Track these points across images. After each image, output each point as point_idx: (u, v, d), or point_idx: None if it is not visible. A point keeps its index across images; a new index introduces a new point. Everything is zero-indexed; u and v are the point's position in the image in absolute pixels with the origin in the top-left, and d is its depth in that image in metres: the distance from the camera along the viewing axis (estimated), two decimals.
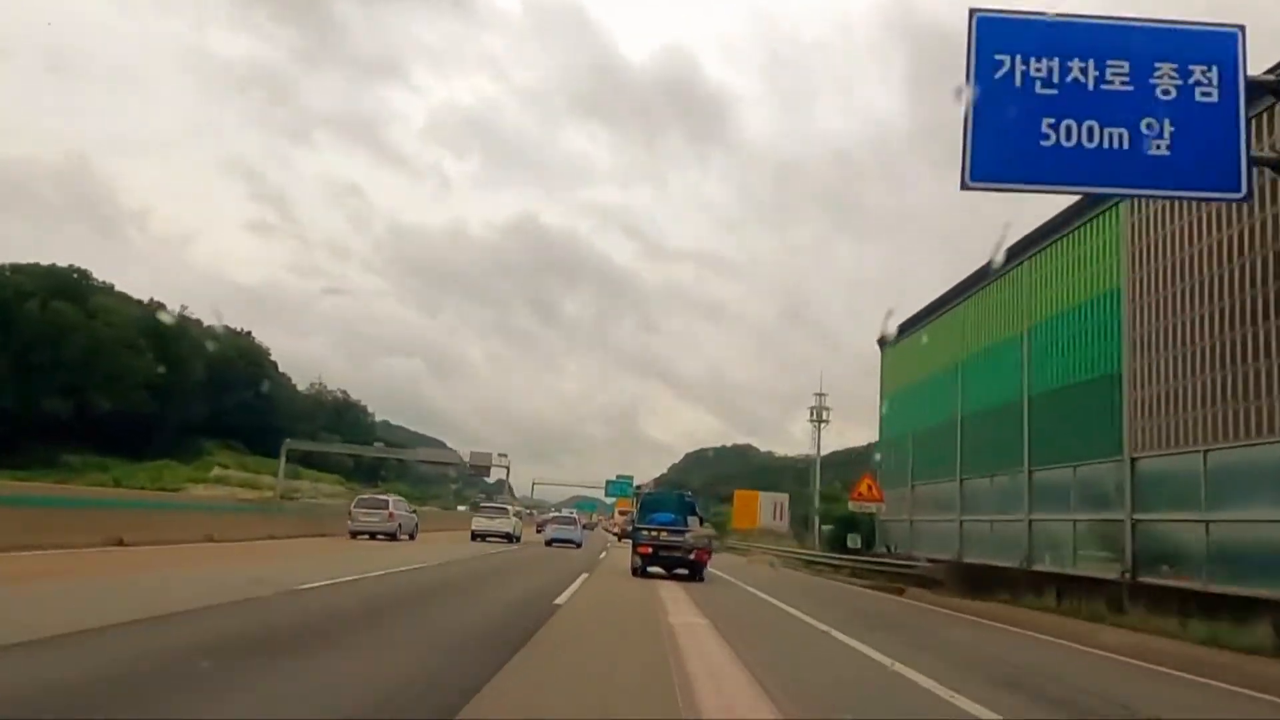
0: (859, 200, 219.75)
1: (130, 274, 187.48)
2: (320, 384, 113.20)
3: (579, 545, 33.16)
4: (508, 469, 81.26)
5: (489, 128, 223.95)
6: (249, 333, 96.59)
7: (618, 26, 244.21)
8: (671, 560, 19.00)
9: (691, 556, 18.96)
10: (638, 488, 73.55)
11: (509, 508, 39.24)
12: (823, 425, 54.95)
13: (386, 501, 29.65)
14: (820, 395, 60.10)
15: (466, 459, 79.39)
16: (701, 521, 21.12)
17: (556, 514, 42.42)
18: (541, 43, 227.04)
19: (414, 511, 31.87)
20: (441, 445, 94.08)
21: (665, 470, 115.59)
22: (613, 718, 5.12)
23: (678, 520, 19.34)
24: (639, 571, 18.83)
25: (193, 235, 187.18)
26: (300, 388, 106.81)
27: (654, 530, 19.10)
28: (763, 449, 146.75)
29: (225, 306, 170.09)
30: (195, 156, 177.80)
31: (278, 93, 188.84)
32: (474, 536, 33.20)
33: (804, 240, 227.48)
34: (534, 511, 75.15)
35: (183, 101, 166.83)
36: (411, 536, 29.07)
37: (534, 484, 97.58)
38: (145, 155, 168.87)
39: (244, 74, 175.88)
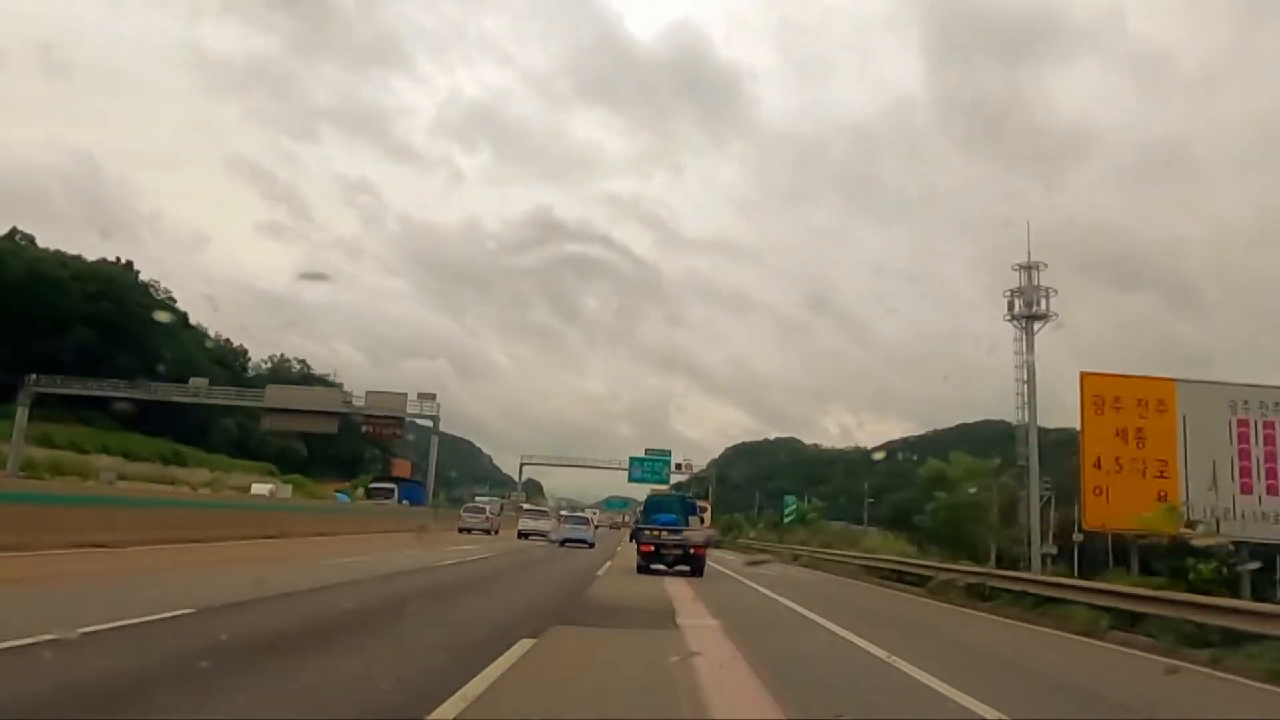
0: (888, 182, 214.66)
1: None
2: (281, 356, 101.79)
3: (591, 545, 34.12)
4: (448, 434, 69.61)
5: (497, 118, 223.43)
6: (128, 263, 77.66)
7: (623, 3, 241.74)
8: (672, 558, 20.51)
9: (691, 553, 20.66)
10: (677, 466, 67.69)
11: (548, 510, 49.51)
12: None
13: (484, 508, 43.93)
14: (1029, 268, 36.12)
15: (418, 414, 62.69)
16: (702, 521, 24.53)
17: (570, 514, 43.81)
18: (545, 23, 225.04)
19: (499, 514, 45.56)
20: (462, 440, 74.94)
21: (705, 465, 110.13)
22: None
23: (679, 521, 21.08)
24: (643, 570, 20.05)
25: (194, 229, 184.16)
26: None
27: (656, 530, 20.66)
28: (807, 441, 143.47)
29: (225, 305, 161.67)
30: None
31: (279, 89, 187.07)
32: (520, 534, 39.11)
33: (835, 227, 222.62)
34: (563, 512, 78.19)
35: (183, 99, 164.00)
36: (496, 532, 41.19)
37: (521, 464, 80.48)
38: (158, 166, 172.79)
39: (245, 69, 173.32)
